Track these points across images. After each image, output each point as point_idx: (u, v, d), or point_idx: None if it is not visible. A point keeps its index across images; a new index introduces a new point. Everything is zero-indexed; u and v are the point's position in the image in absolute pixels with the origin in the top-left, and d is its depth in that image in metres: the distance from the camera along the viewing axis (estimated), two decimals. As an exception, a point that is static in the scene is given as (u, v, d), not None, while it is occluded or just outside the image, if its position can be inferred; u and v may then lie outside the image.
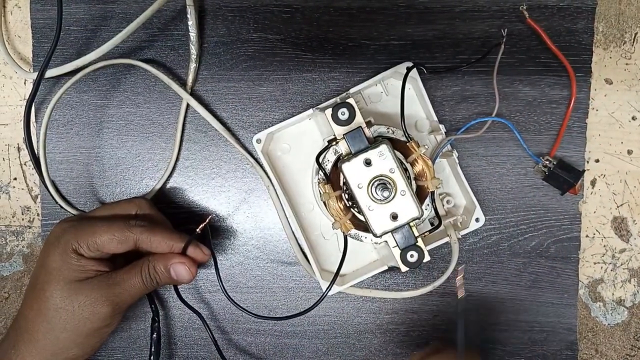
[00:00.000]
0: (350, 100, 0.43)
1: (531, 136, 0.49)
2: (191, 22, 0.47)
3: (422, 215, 0.42)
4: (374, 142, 0.42)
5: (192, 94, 0.49)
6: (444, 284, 0.46)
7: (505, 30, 0.47)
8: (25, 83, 0.50)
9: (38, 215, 0.51)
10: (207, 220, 0.44)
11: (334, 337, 0.51)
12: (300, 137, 0.49)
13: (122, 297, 0.42)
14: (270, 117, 0.50)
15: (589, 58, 0.49)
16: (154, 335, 0.48)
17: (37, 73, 0.45)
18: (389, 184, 0.42)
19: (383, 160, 0.42)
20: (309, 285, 0.50)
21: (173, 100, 0.50)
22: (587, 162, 0.50)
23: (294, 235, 0.49)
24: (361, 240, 0.44)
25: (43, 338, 0.41)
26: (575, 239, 0.50)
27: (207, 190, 0.50)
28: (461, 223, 0.48)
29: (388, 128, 0.44)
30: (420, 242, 0.43)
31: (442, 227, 0.46)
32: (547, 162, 0.48)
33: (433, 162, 0.45)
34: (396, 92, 0.48)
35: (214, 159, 0.50)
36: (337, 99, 0.46)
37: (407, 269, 0.43)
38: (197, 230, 0.44)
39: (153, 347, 0.47)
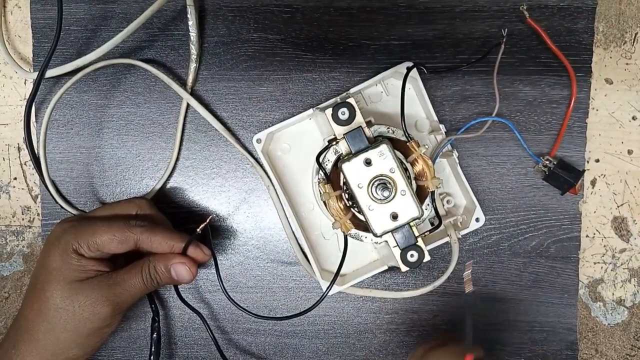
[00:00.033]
0: (351, 100, 0.43)
1: (531, 136, 0.49)
2: (191, 22, 0.47)
3: (422, 215, 0.42)
4: (374, 142, 0.42)
5: (192, 93, 0.49)
6: (444, 284, 0.46)
7: (506, 30, 0.47)
8: (25, 83, 0.50)
9: (38, 215, 0.51)
10: (208, 221, 0.44)
11: (334, 337, 0.51)
12: (301, 137, 0.49)
13: (122, 297, 0.42)
14: (271, 117, 0.50)
15: (589, 58, 0.49)
16: (154, 335, 0.48)
17: (37, 73, 0.45)
18: (389, 183, 0.42)
19: (383, 160, 0.42)
20: (309, 285, 0.50)
21: (173, 100, 0.50)
22: (587, 162, 0.50)
23: (294, 235, 0.49)
24: (361, 240, 0.44)
25: (43, 338, 0.41)
26: (575, 238, 0.50)
27: (207, 190, 0.50)
28: (461, 223, 0.48)
29: (388, 128, 0.44)
30: (420, 242, 0.43)
31: (442, 227, 0.46)
32: (548, 162, 0.48)
33: (433, 162, 0.45)
34: (396, 92, 0.48)
35: (214, 159, 0.50)
36: (338, 99, 0.46)
37: (407, 268, 0.43)
38: (198, 230, 0.44)
39: (153, 347, 0.48)
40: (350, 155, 0.42)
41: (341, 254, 0.44)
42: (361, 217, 0.43)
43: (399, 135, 0.44)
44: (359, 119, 0.43)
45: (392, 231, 0.43)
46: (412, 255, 0.43)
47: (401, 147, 0.44)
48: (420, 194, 0.44)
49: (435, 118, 0.47)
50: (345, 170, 0.42)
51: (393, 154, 0.42)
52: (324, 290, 0.46)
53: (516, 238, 0.50)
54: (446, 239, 0.47)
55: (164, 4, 0.47)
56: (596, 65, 0.50)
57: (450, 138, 0.47)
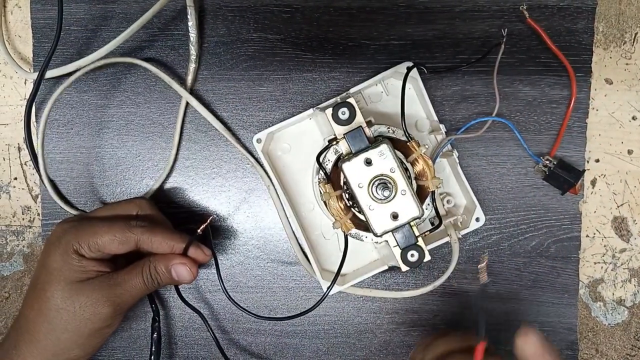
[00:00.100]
0: (351, 100, 0.43)
1: (531, 136, 0.49)
2: (191, 23, 0.47)
3: (422, 214, 0.42)
4: (374, 142, 0.42)
5: (192, 93, 0.49)
6: (444, 284, 0.46)
7: (506, 30, 0.47)
8: (25, 83, 0.50)
9: (38, 215, 0.51)
10: (208, 221, 0.44)
11: (334, 336, 0.51)
12: (301, 137, 0.49)
13: (123, 297, 0.42)
14: (271, 116, 0.50)
15: (589, 58, 0.49)
16: (155, 335, 0.48)
17: (37, 73, 0.45)
18: (390, 183, 0.42)
19: (383, 159, 0.42)
20: (309, 285, 0.50)
21: (173, 100, 0.50)
22: (587, 162, 0.50)
23: (295, 235, 0.49)
24: (362, 240, 0.44)
25: (44, 338, 0.41)
26: (575, 238, 0.50)
27: (207, 190, 0.50)
28: (461, 223, 0.48)
29: (388, 128, 0.44)
30: (420, 242, 0.43)
31: (442, 227, 0.46)
32: (548, 162, 0.48)
33: (433, 162, 0.45)
34: (396, 92, 0.48)
35: (214, 159, 0.50)
36: (338, 99, 0.46)
37: (408, 268, 0.43)
38: (198, 231, 0.44)
39: (153, 347, 0.47)
40: (351, 155, 0.42)
41: (341, 253, 0.44)
42: (361, 216, 0.43)
43: (399, 135, 0.44)
44: (359, 119, 0.43)
45: (393, 231, 0.43)
46: (412, 255, 0.43)
47: (401, 147, 0.44)
48: (421, 194, 0.44)
49: (436, 118, 0.48)
50: (345, 170, 0.42)
51: (393, 153, 0.42)
52: (325, 290, 0.46)
53: (516, 238, 0.50)
54: (446, 239, 0.47)
55: (165, 4, 0.47)
56: (596, 65, 0.50)
57: (450, 138, 0.47)
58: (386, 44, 0.49)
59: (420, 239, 0.43)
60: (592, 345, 0.51)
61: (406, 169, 0.44)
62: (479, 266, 0.39)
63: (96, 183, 0.50)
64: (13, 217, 0.51)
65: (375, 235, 0.42)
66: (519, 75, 0.49)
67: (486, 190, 0.50)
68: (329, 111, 0.43)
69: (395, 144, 0.43)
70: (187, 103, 0.49)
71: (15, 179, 0.51)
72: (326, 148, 0.44)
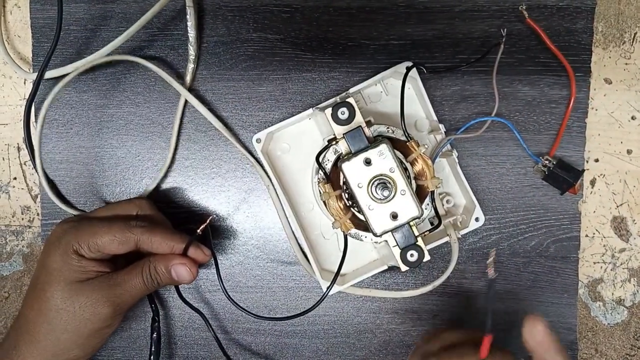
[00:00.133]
0: (350, 100, 0.43)
1: (531, 136, 0.49)
2: (190, 24, 0.47)
3: (422, 214, 0.42)
4: (373, 142, 0.42)
5: (192, 93, 0.49)
6: (443, 284, 0.46)
7: (505, 30, 0.47)
8: (25, 83, 0.50)
9: (38, 215, 0.51)
10: (208, 221, 0.44)
11: (333, 336, 0.51)
12: (300, 137, 0.49)
13: (123, 297, 0.42)
14: (270, 116, 0.50)
15: (589, 58, 0.49)
16: (154, 335, 0.48)
17: (36, 73, 0.45)
18: (389, 183, 0.42)
19: (383, 159, 0.42)
20: (308, 285, 0.50)
21: (173, 99, 0.50)
22: (587, 161, 0.50)
23: (294, 235, 0.49)
24: (361, 240, 0.44)
25: (44, 339, 0.41)
26: (574, 238, 0.50)
27: (207, 190, 0.50)
28: (461, 222, 0.48)
29: (388, 127, 0.44)
30: (420, 242, 0.43)
31: (441, 227, 0.46)
32: (547, 162, 0.48)
33: (433, 162, 0.45)
34: (396, 92, 0.48)
35: (213, 159, 0.50)
36: (337, 99, 0.46)
37: (407, 268, 0.43)
38: (198, 231, 0.44)
39: (153, 347, 0.48)
40: (350, 155, 0.42)
41: (341, 253, 0.44)
42: (361, 216, 0.43)
43: (399, 134, 0.44)
44: (359, 119, 0.43)
45: (392, 231, 0.43)
46: (412, 255, 0.43)
47: (401, 147, 0.44)
48: (420, 194, 0.44)
49: (435, 118, 0.48)
50: (345, 170, 0.42)
51: (393, 153, 0.42)
52: (324, 290, 0.46)
53: (516, 238, 0.50)
54: (446, 239, 0.47)
55: (165, 5, 0.47)
56: (595, 65, 0.50)
57: (449, 138, 0.47)
58: (386, 44, 0.49)
59: (419, 238, 0.43)
60: (591, 345, 0.51)
61: (405, 169, 0.44)
62: (487, 262, 0.40)
63: (96, 183, 0.50)
64: (12, 217, 0.51)
65: (375, 235, 0.42)
66: (519, 75, 0.49)
67: (485, 190, 0.50)
68: (329, 111, 0.43)
69: (394, 143, 0.43)
70: (186, 102, 0.49)
71: (15, 178, 0.51)
72: (326, 148, 0.44)
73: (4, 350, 0.42)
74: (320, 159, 0.44)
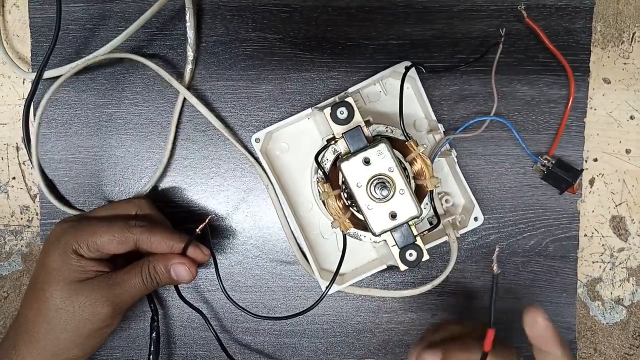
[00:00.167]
0: (349, 100, 0.43)
1: (530, 136, 0.50)
2: (189, 25, 0.47)
3: (421, 214, 0.42)
4: (373, 142, 0.42)
5: (190, 92, 0.49)
6: (443, 283, 0.46)
7: (504, 30, 0.47)
8: (24, 83, 0.50)
9: (37, 214, 0.51)
10: (207, 221, 0.44)
11: (333, 336, 0.51)
12: (299, 137, 0.49)
13: (122, 297, 0.42)
14: (269, 116, 0.50)
15: (588, 58, 0.49)
16: (154, 335, 0.48)
17: (35, 73, 0.45)
18: (388, 183, 0.42)
19: (382, 159, 0.42)
20: (308, 285, 0.50)
21: (172, 99, 0.50)
22: (586, 161, 0.50)
23: (293, 235, 0.49)
24: (360, 240, 0.44)
25: (43, 339, 0.41)
26: (574, 238, 0.50)
27: (206, 190, 0.50)
28: (460, 222, 0.48)
29: (387, 127, 0.44)
30: (419, 241, 0.43)
31: (441, 227, 0.46)
32: (546, 162, 0.48)
33: (432, 162, 0.45)
34: (395, 92, 0.48)
35: (213, 159, 0.50)
36: (336, 99, 0.46)
37: (406, 268, 0.43)
38: (197, 231, 0.44)
39: (152, 347, 0.48)
40: (349, 155, 0.42)
41: (340, 253, 0.44)
42: (360, 216, 0.43)
43: (398, 134, 0.44)
44: (358, 119, 0.43)
45: (391, 230, 0.43)
46: (411, 255, 0.43)
47: (400, 147, 0.44)
48: (419, 194, 0.44)
49: (434, 118, 0.48)
50: (344, 170, 0.42)
51: (392, 153, 0.42)
52: (324, 290, 0.46)
53: (515, 237, 0.50)
54: (445, 239, 0.47)
55: (164, 5, 0.47)
56: (594, 65, 0.50)
57: (448, 137, 0.47)
58: (385, 44, 0.49)
59: (419, 238, 0.43)
60: (590, 345, 0.51)
61: (405, 169, 0.44)
62: (493, 257, 0.40)
63: (95, 183, 0.50)
64: (12, 217, 0.51)
65: (374, 234, 0.42)
66: (518, 75, 0.49)
67: (485, 189, 0.50)
68: (328, 111, 0.43)
69: (393, 143, 0.43)
70: (185, 101, 0.49)
71: (14, 178, 0.51)
72: (325, 148, 0.44)
73: (3, 351, 0.42)
74: (320, 159, 0.44)
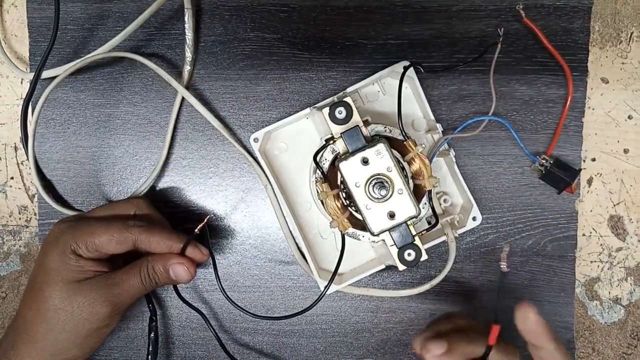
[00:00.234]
0: (348, 99, 0.43)
1: (528, 135, 0.50)
2: (188, 25, 0.47)
3: (419, 213, 0.42)
4: (371, 141, 0.43)
5: (188, 92, 0.49)
6: (441, 283, 0.46)
7: (502, 29, 0.47)
8: (22, 82, 0.50)
9: (35, 214, 0.51)
10: (205, 221, 0.44)
11: (331, 336, 0.51)
12: (298, 136, 0.49)
13: (121, 297, 0.42)
14: (268, 116, 0.50)
15: (585, 57, 0.49)
16: (152, 335, 0.48)
17: (33, 73, 0.45)
18: (387, 182, 0.42)
19: (380, 159, 0.42)
20: (306, 284, 0.50)
21: (170, 99, 0.49)
22: (584, 161, 0.50)
23: (292, 235, 0.49)
24: (359, 239, 0.44)
25: (42, 339, 0.41)
26: (571, 237, 0.50)
27: (204, 190, 0.50)
28: (458, 222, 0.48)
29: (385, 127, 0.44)
30: (417, 241, 0.43)
31: (439, 226, 0.46)
32: (544, 161, 0.48)
33: (430, 161, 0.45)
34: (393, 91, 0.48)
35: (211, 158, 0.50)
36: (335, 98, 0.46)
37: (405, 267, 0.43)
38: (196, 230, 0.44)
39: (151, 347, 0.48)
40: (348, 154, 0.42)
41: (338, 253, 0.44)
42: (358, 216, 0.43)
43: (396, 134, 0.44)
44: (356, 118, 0.43)
45: (390, 230, 0.43)
46: (409, 254, 0.43)
47: (398, 146, 0.44)
48: (417, 193, 0.44)
49: (432, 117, 0.48)
50: (342, 169, 0.42)
51: (390, 153, 0.42)
52: (322, 290, 0.46)
53: (513, 237, 0.50)
54: (443, 238, 0.47)
55: (162, 4, 0.47)
56: (592, 64, 0.50)
57: (447, 137, 0.47)
58: (383, 44, 0.49)
59: (417, 238, 0.43)
60: (588, 344, 0.51)
61: (403, 168, 0.44)
62: (501, 255, 0.40)
63: (93, 182, 0.50)
64: (10, 216, 0.51)
65: (372, 234, 0.42)
66: (516, 74, 0.49)
67: (483, 189, 0.50)
68: (326, 110, 0.43)
69: (392, 143, 0.43)
70: (183, 100, 0.49)
71: (12, 178, 0.51)
72: (323, 147, 0.44)
73: (2, 351, 0.42)
74: (318, 159, 0.44)
